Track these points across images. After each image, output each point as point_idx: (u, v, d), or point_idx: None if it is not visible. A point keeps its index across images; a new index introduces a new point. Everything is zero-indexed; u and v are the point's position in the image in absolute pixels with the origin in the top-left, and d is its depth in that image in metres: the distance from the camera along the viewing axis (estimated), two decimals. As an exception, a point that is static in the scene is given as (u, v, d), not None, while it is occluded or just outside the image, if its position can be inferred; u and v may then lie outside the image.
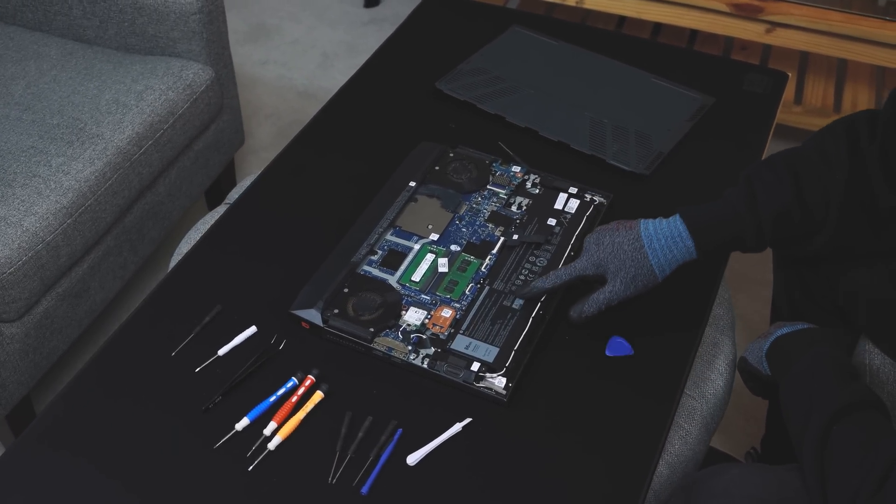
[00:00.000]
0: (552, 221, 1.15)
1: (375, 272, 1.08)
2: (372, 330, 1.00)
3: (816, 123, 2.13)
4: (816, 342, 1.03)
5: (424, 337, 1.01)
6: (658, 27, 2.39)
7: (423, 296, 1.06)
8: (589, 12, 2.42)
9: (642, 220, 1.03)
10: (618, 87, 1.40)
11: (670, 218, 1.02)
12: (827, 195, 1.01)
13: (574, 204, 1.17)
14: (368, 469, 0.91)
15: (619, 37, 1.65)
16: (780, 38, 2.03)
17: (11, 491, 0.89)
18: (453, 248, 1.12)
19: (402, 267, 1.09)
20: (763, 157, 1.29)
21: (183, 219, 1.97)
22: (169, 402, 0.96)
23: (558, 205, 1.17)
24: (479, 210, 1.17)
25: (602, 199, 1.18)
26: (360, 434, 0.93)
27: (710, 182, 1.23)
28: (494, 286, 1.07)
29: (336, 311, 1.02)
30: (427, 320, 1.03)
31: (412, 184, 1.18)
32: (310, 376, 0.98)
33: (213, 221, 1.23)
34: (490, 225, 1.15)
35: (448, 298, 1.05)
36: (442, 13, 1.58)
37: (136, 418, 0.95)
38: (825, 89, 2.23)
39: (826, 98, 2.20)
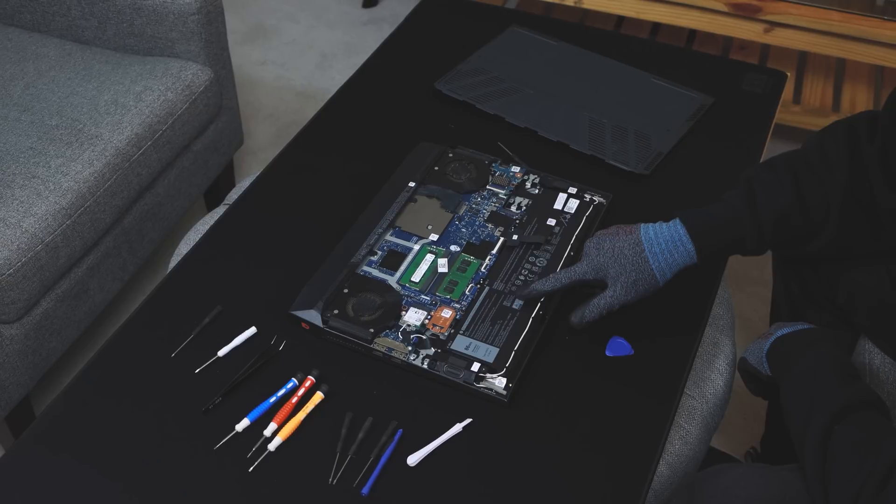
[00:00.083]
0: (552, 221, 1.15)
1: (375, 273, 1.08)
2: (372, 330, 1.00)
3: (815, 123, 2.13)
4: (817, 342, 1.03)
5: (424, 337, 1.01)
6: (656, 27, 2.39)
7: (422, 296, 1.06)
8: (587, 12, 2.42)
9: (642, 225, 1.02)
10: (617, 86, 1.40)
11: (670, 222, 1.02)
12: (827, 197, 1.01)
13: (574, 204, 1.17)
14: (369, 470, 0.91)
15: (617, 37, 1.65)
16: (779, 38, 2.03)
17: (11, 492, 0.89)
18: (453, 248, 1.12)
19: (402, 267, 1.09)
20: (762, 157, 1.30)
21: (182, 220, 1.96)
22: (169, 403, 0.96)
23: (558, 205, 1.17)
24: (479, 210, 1.17)
25: (601, 199, 1.18)
26: (361, 435, 0.93)
27: (710, 181, 1.23)
28: (494, 286, 1.07)
29: (336, 311, 1.02)
30: (427, 321, 1.03)
31: (412, 184, 1.18)
32: (310, 377, 0.98)
33: (212, 222, 1.23)
34: (490, 225, 1.15)
35: (448, 299, 1.05)
36: (440, 13, 1.58)
37: (135, 419, 0.95)
38: (824, 89, 2.23)
39: (825, 97, 2.20)
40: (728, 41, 2.37)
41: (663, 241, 1.00)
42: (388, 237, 1.12)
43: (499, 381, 0.97)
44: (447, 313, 1.04)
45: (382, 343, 1.00)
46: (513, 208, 1.17)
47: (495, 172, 1.22)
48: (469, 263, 1.10)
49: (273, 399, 0.96)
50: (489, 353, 0.99)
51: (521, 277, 1.08)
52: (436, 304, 1.05)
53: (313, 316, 1.02)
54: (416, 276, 1.08)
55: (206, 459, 0.91)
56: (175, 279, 1.10)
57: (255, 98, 2.43)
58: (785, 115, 2.15)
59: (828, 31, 1.97)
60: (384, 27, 2.67)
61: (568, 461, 0.92)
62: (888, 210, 1.00)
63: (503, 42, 1.48)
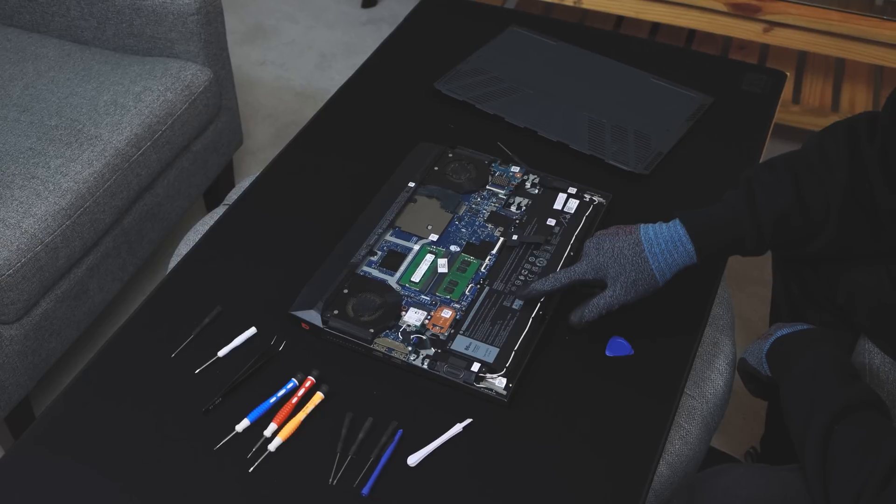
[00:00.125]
0: (552, 221, 1.15)
1: (375, 273, 1.08)
2: (372, 331, 1.00)
3: (815, 123, 2.13)
4: (816, 342, 1.03)
5: (424, 338, 1.01)
6: (656, 27, 2.39)
7: (422, 296, 1.06)
8: (587, 12, 2.42)
9: (642, 225, 1.02)
10: (617, 86, 1.40)
11: (670, 222, 1.02)
12: (827, 197, 1.01)
13: (573, 204, 1.17)
14: (369, 470, 0.90)
15: (617, 36, 1.65)
16: (778, 38, 2.03)
17: (11, 493, 0.89)
18: (453, 248, 1.12)
19: (402, 268, 1.09)
20: (762, 157, 1.30)
21: (182, 220, 1.96)
22: (169, 403, 0.96)
23: (557, 205, 1.17)
24: (479, 210, 1.17)
25: (601, 199, 1.18)
26: (361, 435, 0.93)
27: (709, 181, 1.23)
28: (494, 287, 1.07)
29: (336, 311, 1.02)
30: (427, 321, 1.03)
31: (411, 184, 1.18)
32: (310, 377, 0.98)
33: (212, 223, 1.23)
34: (489, 225, 1.15)
35: (448, 299, 1.05)
36: (440, 13, 1.58)
37: (135, 420, 0.95)
38: (823, 88, 2.23)
39: (824, 97, 2.20)
40: (727, 41, 2.37)
41: (663, 242, 1.00)
42: (388, 237, 1.12)
43: (499, 382, 0.97)
44: (447, 313, 1.04)
45: (382, 343, 1.00)
46: (512, 208, 1.17)
47: (495, 172, 1.22)
48: (469, 263, 1.10)
49: (273, 399, 0.96)
50: (489, 353, 0.99)
51: (521, 277, 1.08)
52: (436, 304, 1.05)
53: (313, 316, 1.02)
54: (416, 277, 1.08)
55: (207, 460, 0.91)
56: (175, 280, 1.10)
57: (254, 98, 2.42)
58: (784, 114, 2.15)
59: (827, 31, 1.97)
60: (383, 27, 2.67)
61: (568, 461, 0.92)
62: (888, 210, 1.00)
63: (503, 42, 1.48)
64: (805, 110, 2.16)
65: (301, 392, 0.97)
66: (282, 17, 2.72)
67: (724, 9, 2.02)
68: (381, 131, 1.32)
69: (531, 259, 1.10)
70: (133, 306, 1.81)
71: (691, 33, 2.37)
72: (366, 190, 1.19)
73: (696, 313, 1.08)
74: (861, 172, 1.00)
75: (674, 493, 1.10)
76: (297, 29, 2.68)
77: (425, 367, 0.98)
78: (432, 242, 1.12)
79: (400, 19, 1.59)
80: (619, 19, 2.42)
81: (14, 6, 1.80)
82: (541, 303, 1.05)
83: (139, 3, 1.69)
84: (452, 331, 1.02)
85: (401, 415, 0.95)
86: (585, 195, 1.18)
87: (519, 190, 1.19)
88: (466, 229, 1.14)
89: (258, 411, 0.95)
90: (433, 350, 1.00)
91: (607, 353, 1.02)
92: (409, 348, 1.00)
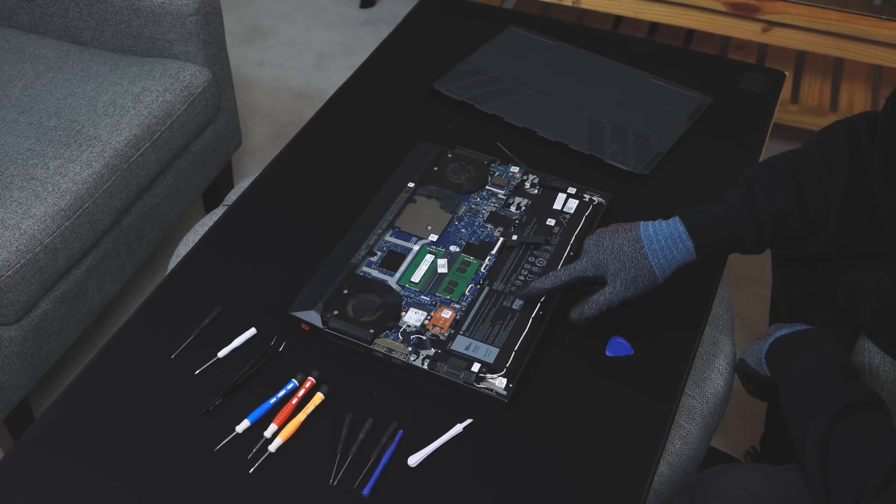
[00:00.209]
0: (551, 221, 1.15)
1: (375, 273, 1.08)
2: (372, 331, 1.00)
3: (813, 122, 2.14)
4: (816, 342, 1.03)
5: (424, 338, 1.01)
6: (655, 27, 2.39)
7: (422, 297, 1.05)
8: (585, 12, 2.42)
9: (642, 222, 1.03)
10: (616, 86, 1.40)
11: (670, 219, 1.02)
12: (827, 196, 1.01)
13: (573, 204, 1.17)
14: (369, 471, 0.90)
15: (616, 36, 1.65)
16: (777, 38, 2.04)
17: (10, 494, 0.89)
18: (452, 248, 1.12)
19: (402, 268, 1.09)
20: (761, 156, 1.30)
21: (181, 221, 1.96)
22: (169, 404, 0.96)
23: (557, 205, 1.17)
24: (478, 211, 1.17)
25: (601, 199, 1.18)
26: (361, 436, 0.93)
27: (709, 181, 1.23)
28: (494, 287, 1.07)
29: (336, 312, 1.02)
30: (427, 321, 1.03)
31: (411, 185, 1.18)
32: (310, 378, 0.98)
33: (211, 223, 1.23)
34: (489, 225, 1.15)
35: (448, 299, 1.05)
36: (438, 14, 1.58)
37: (135, 421, 0.95)
38: (822, 88, 2.23)
39: (823, 97, 2.20)
40: (726, 41, 2.37)
41: (662, 239, 1.00)
42: (388, 238, 1.12)
43: (499, 382, 0.97)
44: (447, 314, 1.04)
45: (382, 344, 1.00)
46: (512, 208, 1.17)
47: (494, 173, 1.22)
48: (469, 264, 1.10)
49: (273, 400, 0.96)
50: (489, 353, 0.99)
51: (521, 277, 1.08)
52: (436, 304, 1.05)
53: (313, 317, 1.01)
54: (416, 277, 1.08)
55: (207, 461, 0.91)
56: (174, 280, 1.10)
57: (252, 99, 2.42)
58: (783, 114, 2.15)
59: (826, 31, 1.98)
60: (382, 27, 2.67)
61: (568, 461, 0.92)
62: (888, 210, 1.00)
63: (501, 42, 1.48)
64: (804, 110, 2.16)
65: (301, 393, 0.97)
66: (280, 18, 2.72)
67: (723, 8, 2.02)
68: (381, 132, 1.32)
69: (531, 259, 1.10)
70: (132, 307, 1.81)
71: (690, 33, 2.37)
72: (365, 190, 1.19)
73: (695, 313, 1.08)
74: (861, 172, 1.00)
75: (674, 493, 1.10)
76: (295, 29, 2.68)
77: (425, 367, 0.98)
78: (432, 243, 1.12)
79: (398, 19, 1.58)
80: (618, 19, 2.42)
81: (13, 7, 1.80)
82: (541, 303, 1.05)
83: (138, 3, 1.69)
84: (452, 331, 1.02)
85: (401, 415, 0.95)
86: (585, 195, 1.18)
87: (518, 190, 1.19)
88: (466, 229, 1.14)
89: (258, 412, 0.95)
90: (433, 350, 1.00)
91: (607, 353, 1.02)
92: (409, 349, 1.00)
